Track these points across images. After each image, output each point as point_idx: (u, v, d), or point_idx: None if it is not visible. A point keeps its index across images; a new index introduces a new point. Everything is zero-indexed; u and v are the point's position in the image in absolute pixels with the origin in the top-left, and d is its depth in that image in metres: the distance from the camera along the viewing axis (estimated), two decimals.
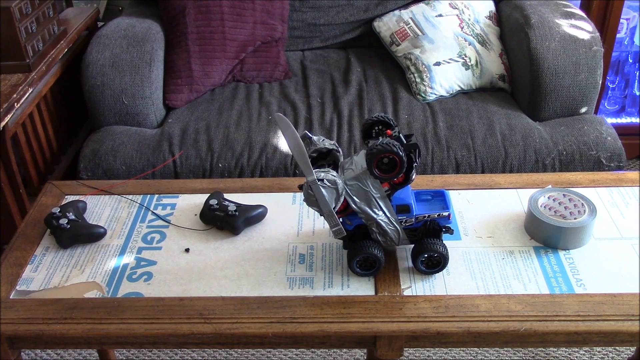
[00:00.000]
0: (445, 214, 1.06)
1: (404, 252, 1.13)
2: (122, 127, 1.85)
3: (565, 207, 1.17)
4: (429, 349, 1.76)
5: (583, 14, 1.98)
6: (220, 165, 1.74)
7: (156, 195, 1.31)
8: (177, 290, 1.07)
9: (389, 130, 1.06)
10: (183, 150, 1.75)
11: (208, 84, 2.00)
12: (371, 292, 1.05)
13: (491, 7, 2.13)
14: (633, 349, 1.68)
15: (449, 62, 1.97)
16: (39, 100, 1.82)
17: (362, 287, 1.06)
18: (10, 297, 1.07)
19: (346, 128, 1.82)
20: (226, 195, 1.25)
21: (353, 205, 1.03)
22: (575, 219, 1.14)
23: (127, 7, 2.26)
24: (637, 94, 2.51)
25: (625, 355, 1.75)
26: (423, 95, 1.94)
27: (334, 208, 1.01)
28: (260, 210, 1.22)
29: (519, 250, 1.14)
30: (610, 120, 2.49)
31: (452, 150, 1.75)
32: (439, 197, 1.11)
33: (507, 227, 1.19)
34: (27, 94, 1.69)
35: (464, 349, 1.75)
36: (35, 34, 1.80)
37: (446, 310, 1.01)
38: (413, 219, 1.06)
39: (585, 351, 1.76)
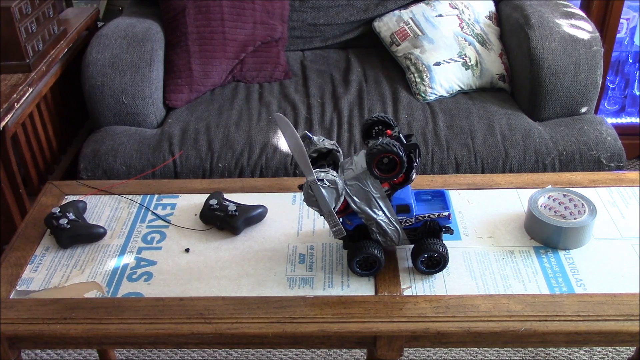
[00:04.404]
0: (445, 214, 1.06)
1: (404, 252, 1.13)
2: (122, 127, 1.85)
3: (565, 207, 1.17)
4: (429, 349, 1.76)
5: (583, 14, 1.98)
6: (220, 165, 1.74)
7: (156, 195, 1.31)
8: (177, 290, 1.07)
9: (389, 130, 1.06)
10: (183, 150, 1.75)
11: (208, 84, 2.00)
12: (371, 292, 1.05)
13: (491, 7, 2.13)
14: (633, 349, 1.68)
15: (449, 62, 1.97)
16: (39, 100, 1.82)
17: (362, 287, 1.06)
18: (10, 297, 1.07)
19: (346, 128, 1.82)
20: (226, 195, 1.25)
21: (353, 205, 1.03)
22: (575, 219, 1.13)
23: (127, 7, 2.26)
24: (637, 94, 2.51)
25: (625, 355, 1.75)
26: (423, 95, 1.94)
27: (334, 208, 1.01)
28: (260, 210, 1.21)
29: (519, 250, 1.14)
30: (610, 120, 2.49)
31: (452, 150, 1.75)
32: (439, 197, 1.11)
33: (507, 227, 1.19)
34: (27, 94, 1.69)
35: (464, 349, 1.75)
36: (35, 34, 1.80)
37: (446, 310, 1.01)
38: (413, 219, 1.06)
39: (585, 351, 1.76)
